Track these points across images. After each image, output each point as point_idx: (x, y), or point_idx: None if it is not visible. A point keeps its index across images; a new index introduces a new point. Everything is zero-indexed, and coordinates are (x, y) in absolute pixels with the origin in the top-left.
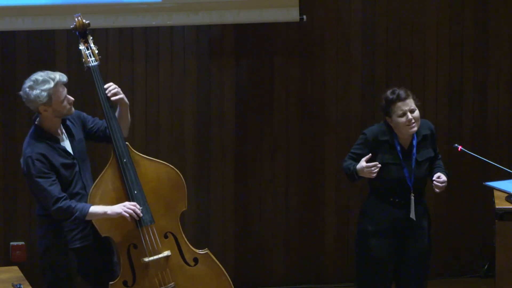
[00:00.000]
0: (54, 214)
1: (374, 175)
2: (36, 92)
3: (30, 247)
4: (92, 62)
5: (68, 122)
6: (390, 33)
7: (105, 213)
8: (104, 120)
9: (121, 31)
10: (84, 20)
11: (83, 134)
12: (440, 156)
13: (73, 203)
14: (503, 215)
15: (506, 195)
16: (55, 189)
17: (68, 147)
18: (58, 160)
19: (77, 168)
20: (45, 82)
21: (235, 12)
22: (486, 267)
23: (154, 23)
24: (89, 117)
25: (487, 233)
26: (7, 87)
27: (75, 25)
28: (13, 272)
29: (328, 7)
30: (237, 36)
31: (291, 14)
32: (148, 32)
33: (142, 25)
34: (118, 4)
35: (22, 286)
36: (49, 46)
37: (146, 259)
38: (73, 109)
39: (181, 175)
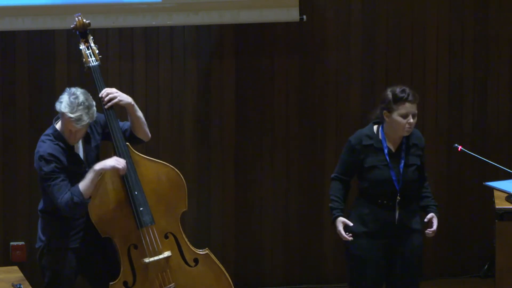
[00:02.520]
0: (62, 211)
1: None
2: (59, 101)
3: (30, 247)
4: (93, 62)
5: (87, 129)
6: (390, 33)
7: (97, 172)
8: (124, 121)
9: (121, 31)
10: (84, 20)
11: (102, 136)
12: (427, 180)
13: (67, 194)
14: (503, 215)
15: (506, 195)
16: (61, 189)
17: (81, 154)
18: (68, 165)
19: (100, 176)
20: (67, 105)
21: (235, 12)
22: (486, 267)
23: (154, 23)
24: None
25: (487, 233)
26: (7, 87)
27: (76, 24)
28: (13, 272)
29: (328, 7)
30: (237, 36)
31: (291, 14)
32: (148, 32)
33: (142, 25)
34: (118, 4)
35: (22, 286)
36: (49, 46)
37: (147, 260)
38: (76, 141)
39: (181, 176)
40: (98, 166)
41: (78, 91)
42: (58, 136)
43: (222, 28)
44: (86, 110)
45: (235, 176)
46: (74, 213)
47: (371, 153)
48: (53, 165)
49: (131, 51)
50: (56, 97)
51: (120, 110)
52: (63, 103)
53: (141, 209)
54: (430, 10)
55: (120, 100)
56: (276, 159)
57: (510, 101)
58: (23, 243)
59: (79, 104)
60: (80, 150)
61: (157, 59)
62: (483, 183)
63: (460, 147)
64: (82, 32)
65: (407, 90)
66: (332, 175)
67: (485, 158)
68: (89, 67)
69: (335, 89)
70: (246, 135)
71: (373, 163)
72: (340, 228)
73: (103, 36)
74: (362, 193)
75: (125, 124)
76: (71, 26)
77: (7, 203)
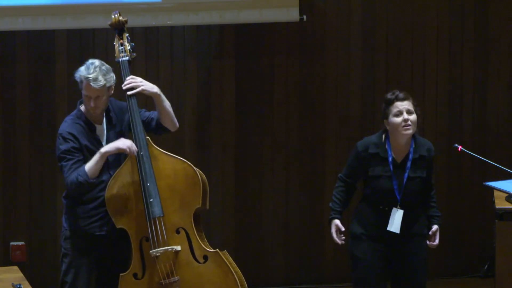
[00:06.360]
0: (68, 189)
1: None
2: (76, 72)
3: (30, 247)
4: (122, 58)
5: (111, 114)
6: (390, 33)
7: (102, 154)
8: (152, 111)
9: None
10: (120, 18)
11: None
12: (434, 189)
13: (74, 173)
14: (503, 215)
15: (506, 195)
16: (71, 167)
17: (103, 138)
18: (87, 145)
19: (105, 159)
20: (84, 69)
21: (235, 12)
22: (486, 267)
23: (154, 23)
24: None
25: (487, 233)
26: (7, 87)
27: (111, 21)
28: (13, 272)
29: (328, 7)
30: (237, 36)
31: (291, 14)
32: (148, 32)
33: (142, 25)
34: (118, 4)
35: (22, 286)
36: (49, 46)
37: (152, 251)
38: (99, 113)
39: (197, 173)
40: (104, 148)
41: (96, 60)
42: (80, 115)
43: (222, 28)
44: (103, 72)
45: (235, 176)
46: (79, 192)
47: (377, 162)
48: (70, 144)
49: None
50: (56, 97)
51: (146, 99)
52: (81, 69)
53: (151, 200)
54: (430, 10)
55: (144, 90)
56: (276, 159)
57: (510, 101)
58: (23, 243)
59: (95, 67)
60: (102, 133)
61: (157, 59)
62: (483, 183)
63: (460, 147)
64: (119, 29)
65: (396, 91)
66: (339, 175)
67: (485, 158)
68: (118, 62)
69: (335, 89)
70: (246, 135)
71: (378, 172)
72: (333, 230)
73: (103, 36)
74: (365, 198)
75: (153, 114)
76: (108, 23)
77: (7, 203)
